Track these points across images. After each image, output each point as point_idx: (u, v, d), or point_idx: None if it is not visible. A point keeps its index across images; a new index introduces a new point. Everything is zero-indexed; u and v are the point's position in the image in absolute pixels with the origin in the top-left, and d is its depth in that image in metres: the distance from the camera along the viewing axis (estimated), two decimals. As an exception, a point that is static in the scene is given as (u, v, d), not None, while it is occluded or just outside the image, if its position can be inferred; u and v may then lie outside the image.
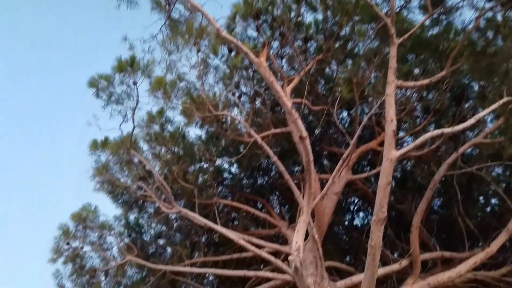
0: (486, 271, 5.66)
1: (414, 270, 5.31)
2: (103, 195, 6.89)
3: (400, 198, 6.66)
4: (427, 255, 5.66)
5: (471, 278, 5.44)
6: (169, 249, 7.55)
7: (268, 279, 5.71)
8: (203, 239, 7.31)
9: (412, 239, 5.32)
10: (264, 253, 5.27)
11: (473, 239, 5.89)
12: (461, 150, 5.36)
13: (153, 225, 7.47)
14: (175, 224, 7.49)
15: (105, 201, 7.00)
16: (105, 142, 6.38)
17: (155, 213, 6.97)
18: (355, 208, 8.18)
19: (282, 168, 5.35)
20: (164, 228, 7.53)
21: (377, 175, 4.26)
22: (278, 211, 7.39)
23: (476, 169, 5.59)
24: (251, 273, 5.49)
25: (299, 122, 3.64)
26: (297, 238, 3.56)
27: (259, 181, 7.77)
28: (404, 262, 5.37)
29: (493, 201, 6.55)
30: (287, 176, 5.33)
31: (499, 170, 6.30)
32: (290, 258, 3.41)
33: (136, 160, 6.28)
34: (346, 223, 8.13)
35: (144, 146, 6.62)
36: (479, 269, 5.61)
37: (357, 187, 6.82)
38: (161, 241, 7.57)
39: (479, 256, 5.24)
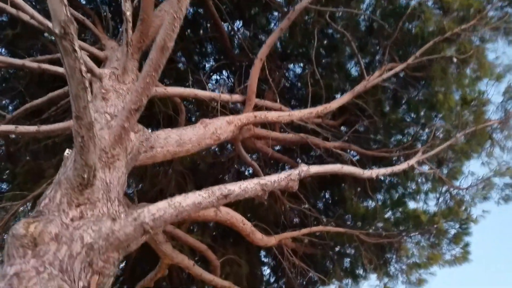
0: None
1: (246, 107, 4.72)
2: None
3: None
4: (265, 102, 5.13)
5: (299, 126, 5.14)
6: None
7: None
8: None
9: (252, 72, 4.65)
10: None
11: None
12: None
13: None
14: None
15: None
16: None
17: None
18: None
19: None
20: None
21: None
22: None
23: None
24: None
25: None
26: None
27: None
28: (236, 97, 4.73)
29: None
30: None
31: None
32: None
33: None
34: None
35: None
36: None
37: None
38: None
39: (317, 109, 4.89)
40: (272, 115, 4.48)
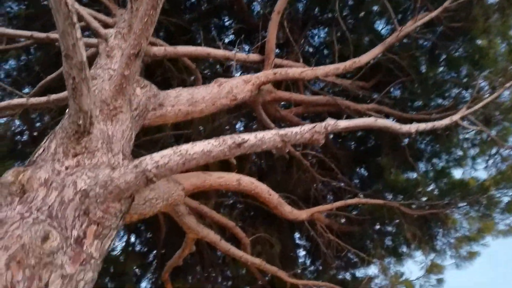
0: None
1: (265, 67, 4.40)
2: None
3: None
4: (285, 61, 4.80)
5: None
6: None
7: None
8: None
9: (270, 27, 4.33)
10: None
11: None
12: None
13: None
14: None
15: None
16: None
17: None
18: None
19: None
20: None
21: None
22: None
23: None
24: None
25: None
26: None
27: None
28: (254, 56, 4.43)
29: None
30: None
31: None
32: None
33: None
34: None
35: None
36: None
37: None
38: None
39: (345, 64, 4.50)
40: (293, 72, 4.15)
